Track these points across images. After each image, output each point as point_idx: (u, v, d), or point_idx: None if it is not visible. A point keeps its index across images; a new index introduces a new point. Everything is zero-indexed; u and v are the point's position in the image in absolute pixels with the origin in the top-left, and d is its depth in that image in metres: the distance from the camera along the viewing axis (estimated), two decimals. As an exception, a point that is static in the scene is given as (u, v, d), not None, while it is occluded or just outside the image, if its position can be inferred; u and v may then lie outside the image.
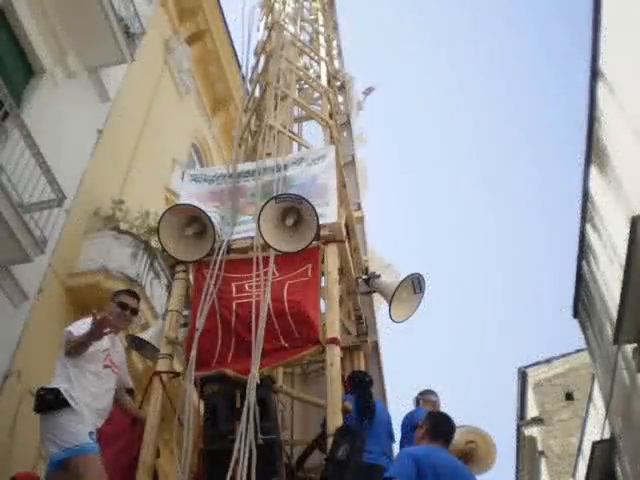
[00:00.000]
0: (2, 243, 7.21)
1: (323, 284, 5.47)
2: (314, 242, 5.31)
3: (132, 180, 10.39)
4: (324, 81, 8.57)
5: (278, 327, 4.95)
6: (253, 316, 4.86)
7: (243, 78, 9.89)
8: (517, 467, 19.40)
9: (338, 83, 9.66)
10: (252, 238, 5.55)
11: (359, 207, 7.87)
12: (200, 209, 5.58)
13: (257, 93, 8.55)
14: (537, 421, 18.05)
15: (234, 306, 5.17)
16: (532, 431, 18.21)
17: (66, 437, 4.30)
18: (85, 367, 4.57)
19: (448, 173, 67.67)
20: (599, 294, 11.79)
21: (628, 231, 8.41)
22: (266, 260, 5.25)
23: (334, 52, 10.24)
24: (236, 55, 13.91)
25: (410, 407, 6.24)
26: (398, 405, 6.81)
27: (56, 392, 4.42)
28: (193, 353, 4.85)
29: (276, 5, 9.46)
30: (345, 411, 4.69)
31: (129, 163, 10.53)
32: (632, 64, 9.18)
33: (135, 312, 5.09)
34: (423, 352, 64.40)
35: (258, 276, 5.17)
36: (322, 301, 5.43)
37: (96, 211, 9.41)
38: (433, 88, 65.94)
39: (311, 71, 9.27)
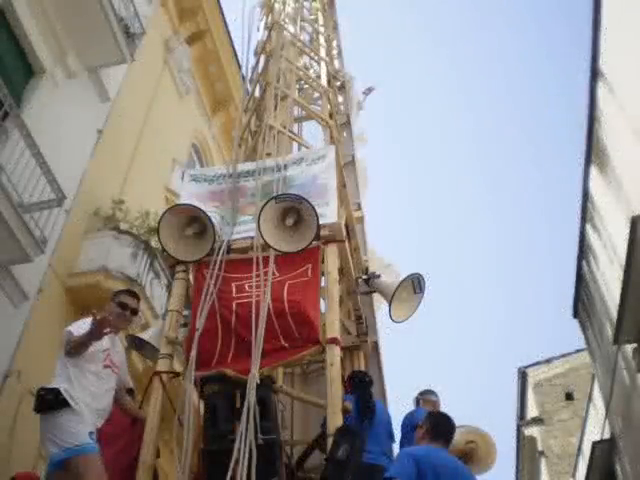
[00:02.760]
0: (2, 243, 7.21)
1: (323, 284, 5.47)
2: (314, 242, 5.31)
3: (132, 180, 10.39)
4: (324, 81, 8.58)
5: (278, 327, 4.95)
6: (253, 316, 4.86)
7: (243, 78, 9.91)
8: (517, 467, 19.40)
9: (338, 83, 9.67)
10: (252, 238, 5.55)
11: (359, 207, 7.87)
12: (200, 209, 5.58)
13: (257, 93, 8.55)
14: (537, 421, 18.05)
15: (234, 306, 5.17)
16: (532, 431, 18.21)
17: (66, 437, 4.30)
18: (85, 367, 4.57)
19: (448, 173, 67.73)
20: (599, 294, 11.79)
21: (628, 231, 8.41)
22: (266, 260, 5.25)
23: (334, 52, 10.25)
24: (236, 55, 13.91)
25: (410, 407, 6.24)
26: (398, 405, 6.82)
27: (56, 392, 4.42)
28: (193, 353, 4.85)
29: (276, 5, 9.47)
30: (345, 411, 4.70)
31: (129, 163, 10.52)
32: (632, 64, 9.18)
33: (135, 312, 5.09)
34: (423, 352, 64.44)
35: (258, 276, 5.17)
36: (322, 301, 5.43)
37: (96, 211, 9.41)
38: (433, 88, 65.99)
39: (311, 71, 9.27)
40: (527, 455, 18.64)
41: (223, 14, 13.80)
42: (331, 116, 7.95)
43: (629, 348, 9.78)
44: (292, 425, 6.32)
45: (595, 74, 10.54)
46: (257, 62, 8.93)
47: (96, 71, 9.95)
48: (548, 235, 67.72)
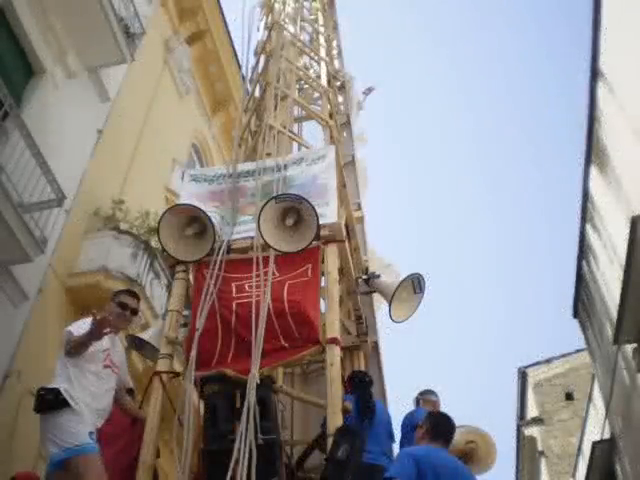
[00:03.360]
0: (2, 243, 7.21)
1: (323, 284, 5.47)
2: (314, 242, 5.31)
3: (132, 180, 10.38)
4: (324, 81, 8.58)
5: (278, 327, 4.95)
6: (253, 316, 4.86)
7: (243, 78, 9.91)
8: (517, 467, 19.41)
9: (338, 83, 9.67)
10: (252, 238, 5.55)
11: (359, 207, 7.88)
12: (200, 209, 5.57)
13: (257, 93, 8.55)
14: (537, 421, 18.05)
15: (234, 306, 5.17)
16: (532, 431, 18.21)
17: (66, 437, 4.30)
18: (85, 367, 4.57)
19: (448, 173, 67.77)
20: (599, 294, 11.79)
21: (628, 231, 8.41)
22: (266, 260, 5.25)
23: (334, 52, 10.25)
24: (236, 55, 13.91)
25: (410, 407, 6.24)
26: (398, 405, 6.82)
27: (56, 392, 4.42)
28: (193, 353, 4.85)
29: (276, 5, 9.47)
30: (345, 411, 4.69)
31: (129, 163, 10.52)
32: (632, 64, 9.18)
33: (135, 312, 5.10)
34: (423, 352, 64.45)
35: (258, 276, 5.17)
36: (322, 301, 5.43)
37: (96, 211, 9.40)
38: (433, 88, 66.02)
39: (311, 71, 9.27)
40: (527, 455, 18.63)
41: (223, 14, 13.80)
42: (331, 116, 7.95)
43: (629, 348, 9.78)
44: (292, 425, 6.32)
45: (595, 74, 10.54)
46: (257, 62, 8.93)
47: (96, 71, 9.95)
48: (548, 235, 67.82)
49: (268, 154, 6.55)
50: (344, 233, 5.78)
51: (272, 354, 4.85)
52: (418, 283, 6.26)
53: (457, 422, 4.58)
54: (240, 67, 12.98)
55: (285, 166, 6.21)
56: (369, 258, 7.38)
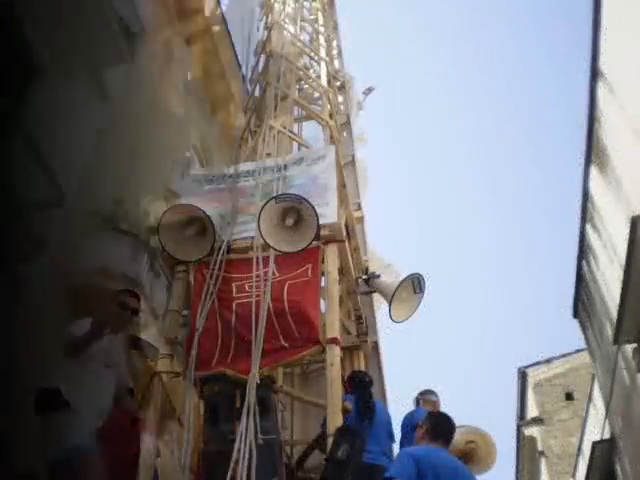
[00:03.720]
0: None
1: (323, 284, 5.47)
2: (314, 242, 5.31)
3: (132, 180, 10.36)
4: (324, 81, 8.59)
5: (278, 327, 4.96)
6: (253, 316, 4.86)
7: (243, 78, 9.91)
8: (517, 467, 19.41)
9: (338, 83, 9.68)
10: (252, 238, 5.56)
11: (359, 207, 7.89)
12: (200, 209, 5.57)
13: (257, 93, 8.56)
14: (537, 421, 18.06)
15: (234, 306, 5.18)
16: (532, 431, 18.21)
17: (65, 437, 4.29)
18: (85, 367, 4.57)
19: (448, 173, 67.83)
20: (599, 294, 11.80)
21: (628, 231, 8.42)
22: (266, 260, 5.25)
23: (334, 52, 10.26)
24: (236, 55, 13.90)
25: (410, 407, 6.24)
26: (398, 405, 6.83)
27: (56, 392, 4.42)
28: (193, 353, 4.86)
29: (276, 5, 9.48)
30: (345, 411, 4.70)
31: (129, 163, 10.51)
32: (632, 64, 9.18)
33: (135, 312, 5.10)
34: (423, 352, 64.48)
35: (258, 276, 5.17)
36: (322, 301, 5.43)
37: (96, 211, 9.39)
38: (433, 88, 66.10)
39: (311, 71, 9.28)
40: (527, 455, 18.64)
41: (223, 14, 13.79)
42: (331, 116, 7.95)
43: (629, 348, 9.79)
44: (292, 425, 6.33)
45: (595, 74, 10.54)
46: (257, 62, 8.94)
47: (96, 71, 9.93)
48: (548, 235, 67.91)
49: (268, 154, 6.56)
50: (344, 233, 5.78)
51: (272, 354, 4.86)
52: (418, 283, 6.26)
53: (457, 422, 4.58)
54: (240, 67, 12.98)
55: (285, 166, 6.22)
56: (369, 258, 7.40)
